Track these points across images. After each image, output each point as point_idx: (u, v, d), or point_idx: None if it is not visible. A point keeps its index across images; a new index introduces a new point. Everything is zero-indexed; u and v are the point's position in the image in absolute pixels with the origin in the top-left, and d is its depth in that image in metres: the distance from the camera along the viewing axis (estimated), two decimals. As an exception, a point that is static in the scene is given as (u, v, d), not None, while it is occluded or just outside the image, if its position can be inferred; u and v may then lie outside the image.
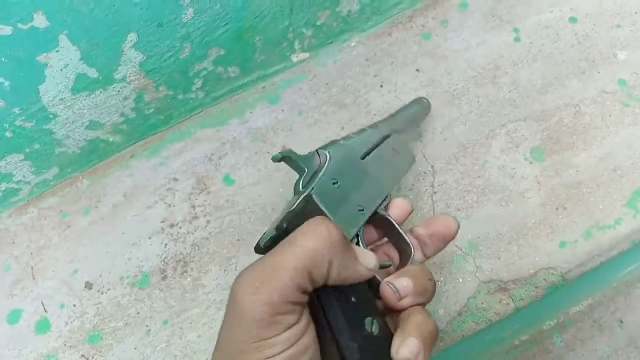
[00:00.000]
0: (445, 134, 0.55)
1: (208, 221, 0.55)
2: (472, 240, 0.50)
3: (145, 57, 0.51)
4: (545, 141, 0.54)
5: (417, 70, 0.59)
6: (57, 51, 0.46)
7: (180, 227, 0.55)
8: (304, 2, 0.55)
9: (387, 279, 0.36)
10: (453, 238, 0.38)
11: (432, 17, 0.62)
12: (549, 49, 0.59)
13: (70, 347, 0.51)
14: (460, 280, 0.48)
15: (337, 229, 0.32)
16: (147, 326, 0.51)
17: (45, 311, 0.53)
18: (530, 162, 0.53)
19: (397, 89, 0.58)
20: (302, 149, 0.56)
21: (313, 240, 0.31)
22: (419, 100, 0.54)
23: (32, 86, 0.48)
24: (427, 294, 0.36)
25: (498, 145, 0.54)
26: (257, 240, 0.36)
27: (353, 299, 0.34)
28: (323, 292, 0.33)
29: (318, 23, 0.58)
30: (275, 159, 0.37)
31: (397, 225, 0.39)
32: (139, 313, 0.52)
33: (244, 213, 0.55)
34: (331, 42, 0.62)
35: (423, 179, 0.53)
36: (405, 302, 0.35)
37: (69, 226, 0.57)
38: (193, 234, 0.54)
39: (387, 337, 0.34)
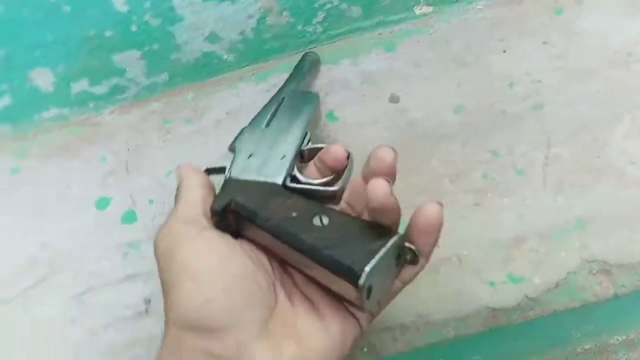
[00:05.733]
0: (567, 109, 0.53)
1: (306, 151, 0.55)
2: (582, 216, 0.47)
3: (280, -26, 0.51)
4: (672, 135, 0.51)
5: (545, 42, 0.57)
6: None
7: (280, 151, 0.55)
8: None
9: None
10: (391, 171, 0.34)
11: (567, -6, 0.60)
12: (690, 46, 0.55)
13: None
14: (563, 254, 0.46)
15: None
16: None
17: (134, 204, 0.54)
18: (654, 153, 0.50)
19: (522, 57, 0.56)
20: (415, 100, 0.56)
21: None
22: (306, 56, 0.58)
23: (168, -20, 0.49)
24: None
25: (622, 130, 0.51)
26: None
27: (294, 214, 0.35)
28: (267, 222, 0.35)
29: (451, -22, 0.57)
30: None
31: (324, 145, 0.42)
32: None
33: (344, 150, 0.54)
34: (457, 1, 0.60)
35: (538, 150, 0.51)
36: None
37: (169, 132, 0.58)
38: (291, 160, 0.54)
39: (339, 217, 0.35)
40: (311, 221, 0.34)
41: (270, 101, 0.49)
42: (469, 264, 0.47)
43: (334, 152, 0.40)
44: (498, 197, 0.49)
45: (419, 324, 0.46)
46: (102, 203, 0.54)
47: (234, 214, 0.37)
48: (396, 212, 0.33)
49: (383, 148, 0.34)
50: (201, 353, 0.31)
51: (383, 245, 0.31)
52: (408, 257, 0.33)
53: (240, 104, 0.58)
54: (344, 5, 0.57)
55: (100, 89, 0.58)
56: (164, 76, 0.59)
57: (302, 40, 0.60)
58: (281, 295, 0.35)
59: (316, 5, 0.56)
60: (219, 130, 0.57)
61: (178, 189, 0.39)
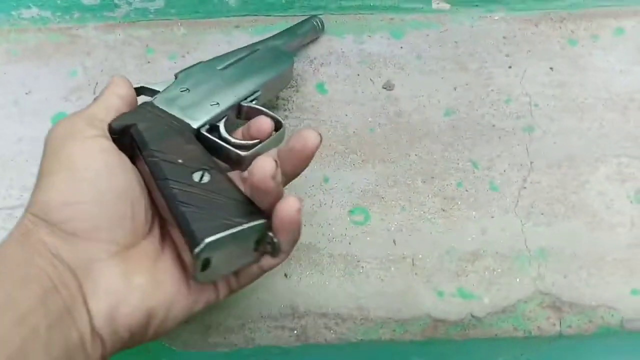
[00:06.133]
0: (556, 138, 0.51)
1: (286, 116, 0.52)
2: (545, 248, 0.46)
3: None
4: (653, 190, 0.50)
5: (551, 68, 0.55)
6: None
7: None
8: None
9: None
10: (307, 155, 0.32)
11: (584, 28, 0.58)
12: (692, 106, 0.55)
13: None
14: (517, 280, 0.45)
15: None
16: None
17: (94, 128, 0.51)
18: (631, 202, 0.49)
19: (525, 78, 0.54)
20: (409, 92, 0.54)
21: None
22: (311, 20, 0.55)
23: None
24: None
25: (605, 172, 0.50)
26: None
27: (180, 161, 0.33)
28: (150, 157, 0.33)
29: (476, -20, 0.55)
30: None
31: (260, 108, 0.41)
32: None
33: (324, 124, 0.52)
34: (477, 5, 0.58)
35: (518, 171, 0.49)
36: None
37: (149, 62, 0.55)
38: (268, 121, 0.51)
39: (220, 182, 0.33)
40: (191, 174, 0.32)
41: (244, 47, 0.47)
42: (422, 269, 0.45)
43: (260, 121, 0.38)
44: (467, 208, 0.48)
45: (356, 318, 0.44)
46: (59, 119, 0.51)
47: (131, 138, 0.35)
48: (273, 197, 0.30)
49: (310, 130, 0.31)
50: (48, 252, 0.29)
51: (239, 224, 0.30)
52: (268, 247, 0.32)
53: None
54: (362, -21, 0.55)
55: (89, 0, 0.55)
56: (159, 3, 0.56)
57: (310, 3, 0.57)
58: (155, 234, 0.34)
59: (333, -29, 0.54)
60: (202, 73, 0.54)
61: (100, 92, 0.37)
